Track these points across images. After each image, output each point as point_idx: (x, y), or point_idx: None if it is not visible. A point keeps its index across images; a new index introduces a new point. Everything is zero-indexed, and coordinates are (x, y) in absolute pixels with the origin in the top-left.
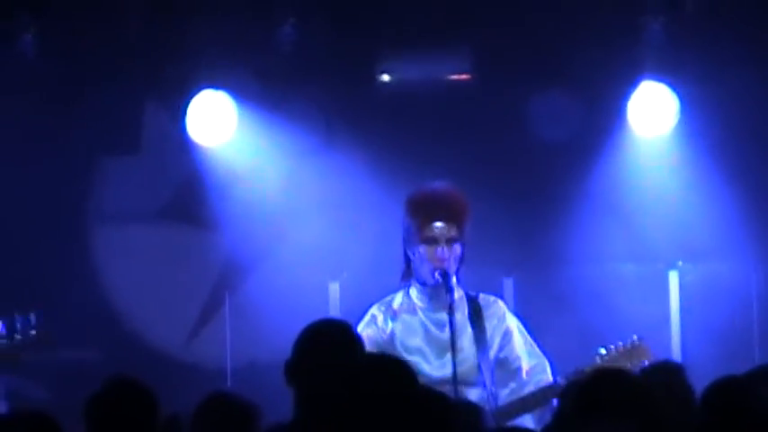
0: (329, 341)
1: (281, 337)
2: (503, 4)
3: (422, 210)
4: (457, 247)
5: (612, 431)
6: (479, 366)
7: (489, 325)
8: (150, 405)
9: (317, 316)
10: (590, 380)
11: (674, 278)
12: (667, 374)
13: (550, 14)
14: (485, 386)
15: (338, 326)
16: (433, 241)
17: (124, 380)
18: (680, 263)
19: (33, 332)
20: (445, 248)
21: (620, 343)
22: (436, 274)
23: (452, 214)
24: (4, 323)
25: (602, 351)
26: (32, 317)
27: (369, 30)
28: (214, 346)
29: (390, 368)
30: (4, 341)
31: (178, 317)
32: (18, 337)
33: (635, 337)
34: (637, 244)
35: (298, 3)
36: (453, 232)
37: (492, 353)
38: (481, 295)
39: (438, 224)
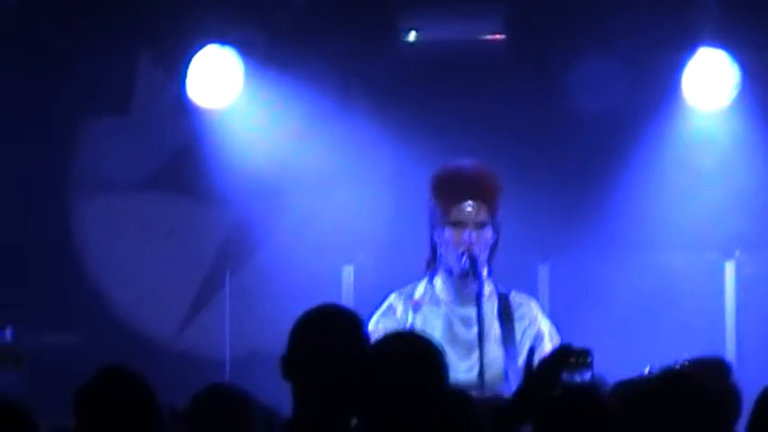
0: (329, 331)
1: (287, 325)
2: None
3: (448, 190)
4: (487, 232)
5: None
6: (506, 372)
7: (519, 327)
8: (148, 396)
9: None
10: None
11: (730, 270)
12: (711, 372)
13: None
14: None
15: (340, 313)
16: (460, 224)
17: (117, 369)
18: (737, 253)
19: None
20: (473, 232)
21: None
22: (463, 259)
23: (482, 195)
24: None
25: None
26: None
27: None
28: (211, 333)
29: (415, 357)
30: None
31: (171, 300)
32: None
33: (684, 361)
34: (688, 231)
35: None
36: (483, 215)
37: (520, 359)
38: (513, 293)
39: (466, 206)
